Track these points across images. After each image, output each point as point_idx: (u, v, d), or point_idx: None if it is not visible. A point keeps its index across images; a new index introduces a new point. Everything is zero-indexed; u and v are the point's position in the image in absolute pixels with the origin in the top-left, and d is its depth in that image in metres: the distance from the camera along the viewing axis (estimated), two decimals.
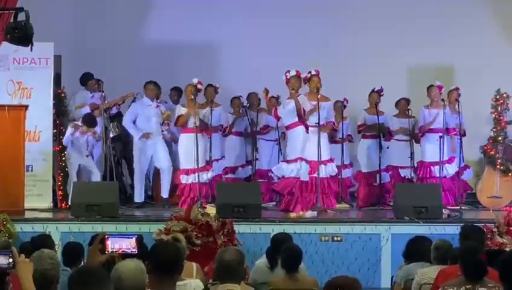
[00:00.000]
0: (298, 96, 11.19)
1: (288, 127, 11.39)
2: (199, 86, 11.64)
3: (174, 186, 12.08)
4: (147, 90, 12.07)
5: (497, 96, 12.80)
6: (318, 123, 11.07)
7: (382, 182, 12.44)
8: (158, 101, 12.21)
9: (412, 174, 12.41)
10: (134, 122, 12.05)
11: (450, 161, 12.07)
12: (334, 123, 11.75)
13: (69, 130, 11.63)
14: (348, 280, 4.65)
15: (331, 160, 11.44)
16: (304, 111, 11.10)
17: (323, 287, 4.63)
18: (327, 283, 4.62)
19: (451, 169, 12.05)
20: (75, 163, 11.72)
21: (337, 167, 11.90)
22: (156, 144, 12.00)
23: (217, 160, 12.46)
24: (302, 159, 11.11)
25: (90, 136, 11.59)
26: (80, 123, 11.65)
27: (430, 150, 12.00)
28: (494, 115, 12.80)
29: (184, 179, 11.48)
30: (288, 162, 11.20)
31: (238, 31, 14.02)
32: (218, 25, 14.03)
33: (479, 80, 13.46)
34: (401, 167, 12.53)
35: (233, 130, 12.59)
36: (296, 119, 11.15)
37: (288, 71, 11.26)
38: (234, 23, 14.02)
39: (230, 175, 12.54)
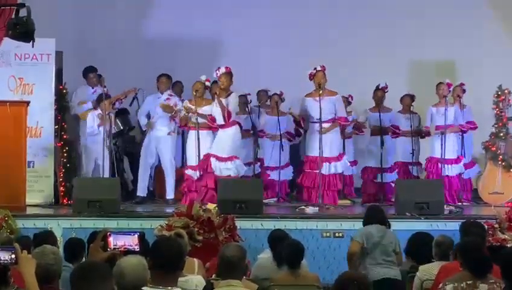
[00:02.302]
0: (230, 94, 11.19)
1: (221, 127, 11.29)
2: (207, 83, 11.61)
3: (177, 183, 12.08)
4: (158, 82, 12.09)
5: (499, 93, 12.79)
6: (320, 119, 11.08)
7: (386, 178, 12.40)
8: (169, 94, 12.15)
9: (416, 171, 12.42)
10: (148, 116, 12.15)
11: (458, 160, 12.04)
12: (346, 119, 11.69)
13: (92, 122, 11.64)
14: (360, 275, 4.63)
15: (338, 158, 11.41)
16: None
17: (334, 282, 4.58)
18: (340, 277, 4.58)
19: (458, 168, 12.03)
20: (91, 156, 11.75)
21: None
22: (161, 140, 12.00)
23: None
24: (236, 157, 11.22)
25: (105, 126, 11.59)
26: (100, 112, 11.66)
27: (438, 146, 11.93)
28: (495, 111, 12.79)
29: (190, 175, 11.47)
30: (223, 160, 11.15)
31: (240, 27, 14.01)
32: (219, 21, 14.04)
33: (481, 75, 13.46)
34: (410, 163, 12.51)
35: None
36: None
37: (219, 68, 11.22)
38: (236, 19, 14.02)
39: None
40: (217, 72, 11.21)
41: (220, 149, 11.22)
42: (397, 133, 12.53)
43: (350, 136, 12.87)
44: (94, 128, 11.75)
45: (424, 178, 12.23)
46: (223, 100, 11.17)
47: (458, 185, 12.08)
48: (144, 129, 12.27)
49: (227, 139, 11.25)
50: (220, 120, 11.28)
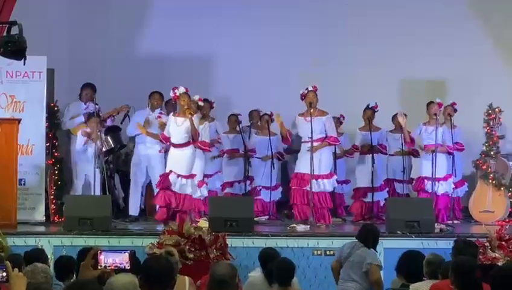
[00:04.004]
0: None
1: (180, 146, 11.08)
2: (200, 103, 11.60)
3: None
4: (151, 99, 12.08)
5: (489, 111, 12.82)
6: (311, 137, 11.11)
7: (377, 197, 12.42)
8: (160, 112, 12.15)
9: (406, 189, 12.46)
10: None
11: (446, 178, 12.08)
12: (336, 139, 11.69)
13: (81, 139, 11.63)
14: None
15: (327, 176, 11.41)
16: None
17: None
18: None
19: (447, 186, 12.07)
20: (81, 173, 11.72)
21: None
22: (151, 157, 11.99)
23: (212, 175, 12.47)
24: (194, 175, 11.12)
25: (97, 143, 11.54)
26: (88, 130, 11.65)
27: (427, 165, 11.97)
28: (486, 130, 12.82)
29: None
30: (184, 177, 11.02)
31: (233, 44, 14.05)
32: (212, 38, 14.07)
33: (471, 94, 13.54)
34: (397, 181, 12.58)
35: (232, 147, 12.63)
36: (188, 138, 11.01)
37: (177, 88, 11.03)
38: (229, 36, 14.06)
39: (228, 190, 12.56)
40: (175, 91, 11.00)
41: (180, 167, 11.02)
42: (384, 153, 12.56)
43: (341, 156, 12.87)
44: (82, 145, 11.69)
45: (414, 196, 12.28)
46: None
47: (448, 204, 12.11)
48: (135, 134, 12.11)
49: (186, 157, 11.03)
50: (179, 139, 11.08)
